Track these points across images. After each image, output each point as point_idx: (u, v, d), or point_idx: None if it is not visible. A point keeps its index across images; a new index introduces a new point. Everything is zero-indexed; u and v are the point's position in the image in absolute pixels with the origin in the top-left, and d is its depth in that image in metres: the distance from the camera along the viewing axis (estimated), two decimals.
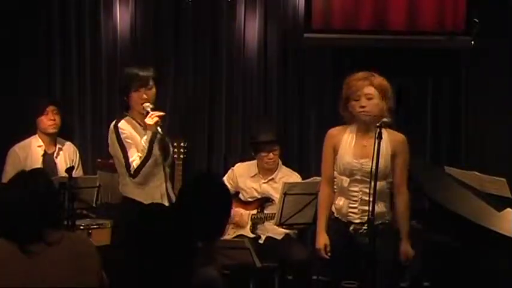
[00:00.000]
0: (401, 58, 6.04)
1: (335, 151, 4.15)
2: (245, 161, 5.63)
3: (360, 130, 4.12)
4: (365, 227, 3.99)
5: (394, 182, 4.13)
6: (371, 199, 3.83)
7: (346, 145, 4.11)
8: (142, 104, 4.51)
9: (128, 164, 4.52)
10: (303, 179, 5.32)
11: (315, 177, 5.14)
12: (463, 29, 5.91)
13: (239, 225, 5.34)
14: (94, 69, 6.39)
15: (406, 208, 4.12)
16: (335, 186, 4.20)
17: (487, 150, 6.24)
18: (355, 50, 6.25)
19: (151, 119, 4.47)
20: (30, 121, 5.69)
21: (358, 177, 4.05)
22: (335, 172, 4.18)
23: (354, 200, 4.06)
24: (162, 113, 4.53)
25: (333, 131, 4.22)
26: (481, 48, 6.02)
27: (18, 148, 5.65)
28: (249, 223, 5.35)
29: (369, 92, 4.05)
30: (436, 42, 5.95)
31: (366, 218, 3.93)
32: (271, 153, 5.32)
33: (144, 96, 4.51)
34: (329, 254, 4.10)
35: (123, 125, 4.57)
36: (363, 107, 4.03)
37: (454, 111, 6.28)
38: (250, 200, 5.41)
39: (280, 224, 4.92)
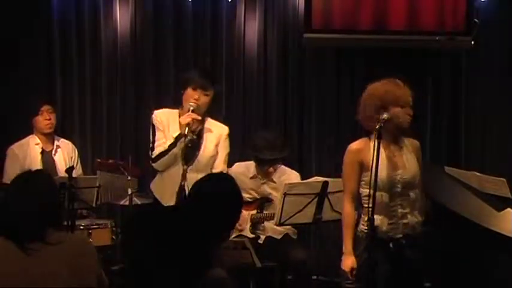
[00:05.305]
0: (401, 58, 6.04)
1: (362, 167, 3.88)
2: (245, 161, 5.62)
3: (386, 140, 3.89)
4: (405, 241, 3.87)
5: None
6: (405, 210, 3.83)
7: (379, 159, 3.77)
8: (191, 102, 4.54)
9: (152, 148, 4.61)
10: (302, 179, 5.31)
11: (316, 177, 5.13)
12: (463, 29, 5.91)
13: (239, 226, 5.35)
14: (94, 69, 6.39)
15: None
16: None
17: (487, 150, 6.24)
18: (355, 50, 6.25)
19: (185, 118, 4.51)
20: (27, 122, 5.70)
21: (399, 189, 3.86)
22: (362, 189, 3.92)
23: (393, 215, 3.86)
24: (198, 117, 4.53)
25: (356, 146, 3.94)
26: (481, 48, 6.03)
27: (16, 147, 5.66)
28: (249, 223, 5.35)
29: (411, 100, 3.91)
30: (436, 42, 5.94)
31: (408, 231, 3.86)
32: (271, 168, 5.33)
33: (197, 96, 4.55)
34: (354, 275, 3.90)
35: (159, 112, 4.67)
36: (410, 115, 3.88)
37: (454, 111, 6.28)
38: (249, 200, 5.40)
39: (280, 224, 4.92)
